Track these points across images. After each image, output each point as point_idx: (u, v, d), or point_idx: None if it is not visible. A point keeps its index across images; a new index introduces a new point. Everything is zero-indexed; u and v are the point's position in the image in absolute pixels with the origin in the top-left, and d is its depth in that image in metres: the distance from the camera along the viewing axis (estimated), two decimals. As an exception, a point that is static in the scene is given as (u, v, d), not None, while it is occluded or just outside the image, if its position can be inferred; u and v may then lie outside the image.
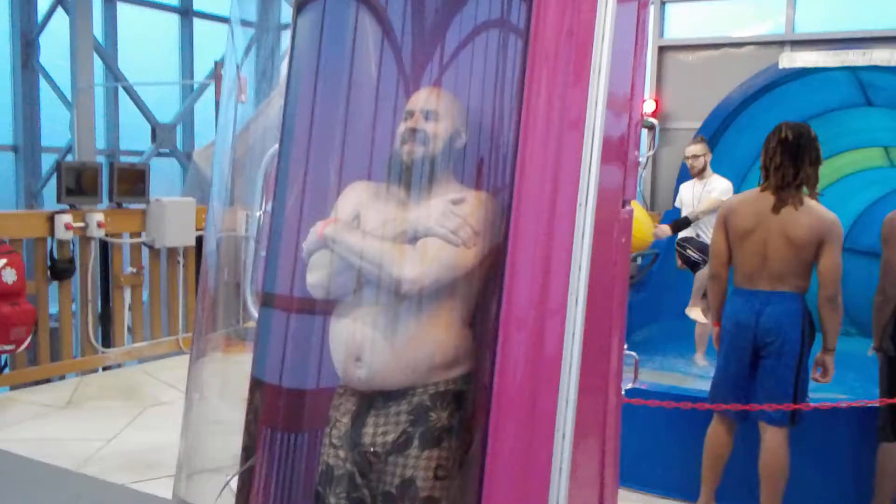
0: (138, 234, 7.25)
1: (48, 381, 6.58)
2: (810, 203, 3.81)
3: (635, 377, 2.41)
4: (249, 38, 2.94)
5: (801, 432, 3.90)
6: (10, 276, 5.78)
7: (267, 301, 2.52)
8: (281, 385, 2.46)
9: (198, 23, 9.55)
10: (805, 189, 3.82)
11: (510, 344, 1.95)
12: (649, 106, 9.02)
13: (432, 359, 2.12)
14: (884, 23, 8.93)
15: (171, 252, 7.52)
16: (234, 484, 2.53)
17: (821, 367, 3.89)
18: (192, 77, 9.58)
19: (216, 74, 7.82)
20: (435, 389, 2.14)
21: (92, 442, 5.11)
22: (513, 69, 2.11)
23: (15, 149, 8.02)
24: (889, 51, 6.94)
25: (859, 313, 5.49)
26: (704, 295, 6.54)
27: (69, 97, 7.45)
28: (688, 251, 6.67)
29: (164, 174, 9.03)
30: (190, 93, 9.53)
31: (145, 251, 7.35)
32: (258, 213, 2.54)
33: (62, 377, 6.72)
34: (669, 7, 10.05)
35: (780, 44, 9.26)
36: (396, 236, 2.15)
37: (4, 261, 5.76)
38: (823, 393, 4.25)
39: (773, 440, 3.84)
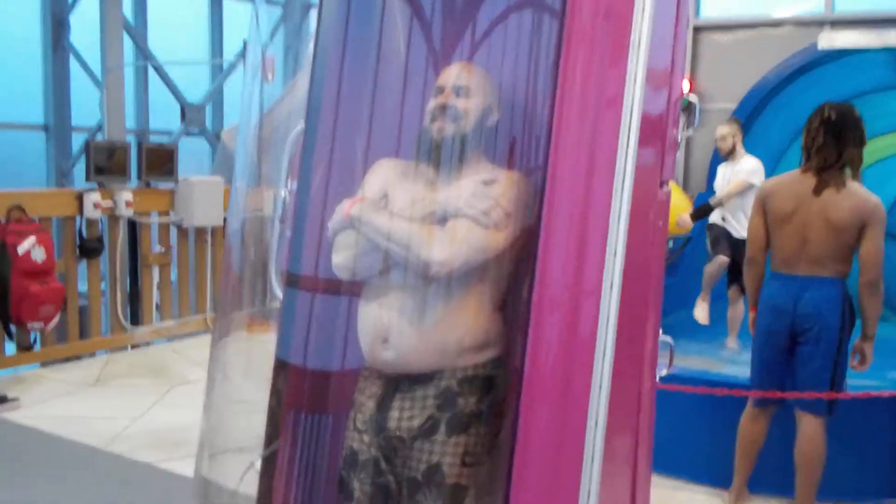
0: (166, 214, 7.26)
1: (78, 358, 6.61)
2: (853, 185, 3.69)
3: (670, 363, 2.32)
4: (276, 19, 2.89)
5: (839, 420, 3.80)
6: (39, 255, 5.80)
7: (292, 281, 2.47)
8: (305, 366, 2.42)
9: (227, 2, 9.53)
10: (848, 171, 3.70)
11: (542, 326, 1.90)
12: (683, 86, 8.84)
13: (461, 342, 2.06)
14: (927, 2, 8.70)
15: (199, 231, 7.52)
16: (257, 464, 2.50)
17: (858, 354, 3.79)
18: (221, 57, 9.56)
19: (245, 54, 7.79)
20: (463, 374, 2.08)
21: (119, 420, 5.13)
22: (548, 43, 2.04)
23: (46, 128, 8.04)
24: (933, 31, 6.75)
25: (896, 299, 5.37)
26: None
27: (99, 77, 7.45)
28: (708, 240, 6.60)
29: (193, 154, 9.02)
30: (219, 72, 9.52)
31: (173, 230, 7.36)
32: (283, 193, 2.49)
33: (92, 355, 6.76)
34: (704, -14, 9.86)
35: (819, 24, 9.05)
36: (425, 217, 2.09)
37: (34, 239, 5.77)
38: (860, 380, 4.14)
39: (809, 428, 3.75)
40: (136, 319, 7.12)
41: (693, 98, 2.39)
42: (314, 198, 2.42)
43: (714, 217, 6.52)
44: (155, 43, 8.77)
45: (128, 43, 7.92)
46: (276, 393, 2.44)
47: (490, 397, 2.09)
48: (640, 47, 1.90)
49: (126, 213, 6.77)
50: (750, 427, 3.96)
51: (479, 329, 2.07)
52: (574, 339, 1.89)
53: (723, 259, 6.39)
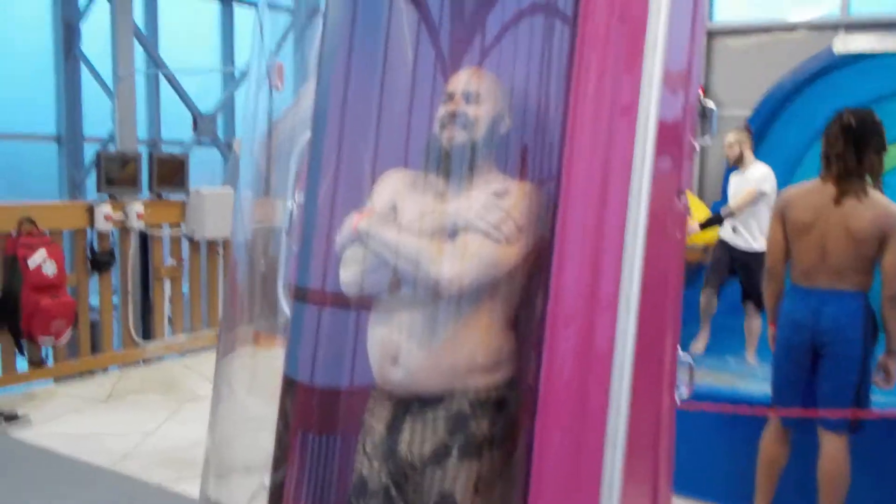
0: (178, 226, 7.21)
1: (91, 373, 6.57)
2: (874, 194, 3.58)
3: (690, 385, 2.20)
4: (285, 25, 2.83)
5: (863, 438, 3.68)
6: (50, 269, 5.77)
7: (300, 296, 2.41)
8: (313, 384, 2.35)
9: (239, 10, 9.50)
10: (869, 178, 3.60)
11: (557, 341, 1.83)
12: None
13: (472, 361, 1.99)
14: (945, 6, 8.59)
15: (211, 244, 7.47)
16: (266, 485, 2.44)
17: (882, 370, 3.66)
18: (233, 65, 9.53)
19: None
20: (475, 396, 2.01)
21: (131, 436, 5.07)
22: (560, 47, 1.97)
23: (58, 139, 8.02)
24: (951, 35, 6.65)
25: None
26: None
27: (111, 86, 7.43)
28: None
29: (205, 164, 8.99)
30: (231, 81, 9.49)
31: (185, 243, 7.31)
32: (290, 205, 2.43)
33: (104, 370, 6.71)
34: (717, -9, 9.77)
35: (834, 27, 8.95)
36: (435, 230, 2.02)
37: (45, 252, 5.74)
38: (886, 397, 4.02)
39: (832, 447, 3.62)
40: (147, 334, 7.07)
41: (710, 103, 2.30)
42: (322, 208, 2.36)
43: (724, 232, 6.40)
44: (166, 51, 8.76)
45: (139, 52, 7.90)
46: (283, 414, 2.38)
47: (503, 420, 2.02)
48: (657, 51, 1.83)
49: (137, 225, 6.73)
50: (771, 447, 3.83)
51: (491, 347, 2.01)
52: (590, 352, 1.82)
53: (710, 291, 6.50)
